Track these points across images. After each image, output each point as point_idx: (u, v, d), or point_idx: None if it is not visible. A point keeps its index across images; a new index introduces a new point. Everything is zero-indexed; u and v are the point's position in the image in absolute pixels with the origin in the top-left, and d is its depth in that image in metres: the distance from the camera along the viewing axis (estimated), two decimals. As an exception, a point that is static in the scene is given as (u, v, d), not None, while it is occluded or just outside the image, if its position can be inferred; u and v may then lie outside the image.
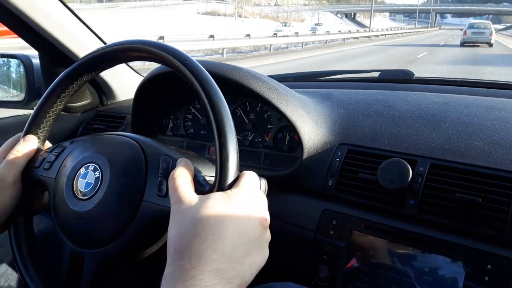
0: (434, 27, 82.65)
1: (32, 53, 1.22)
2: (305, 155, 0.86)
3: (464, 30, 24.82)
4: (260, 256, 0.49)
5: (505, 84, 1.15)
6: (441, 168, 0.75)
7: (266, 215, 0.51)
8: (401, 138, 0.82)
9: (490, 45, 22.67)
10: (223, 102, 0.52)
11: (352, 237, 0.79)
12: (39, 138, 0.67)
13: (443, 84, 1.23)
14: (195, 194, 0.49)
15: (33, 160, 0.66)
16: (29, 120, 0.67)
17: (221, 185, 0.50)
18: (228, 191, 0.49)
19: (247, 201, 0.49)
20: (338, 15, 78.22)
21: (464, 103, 0.95)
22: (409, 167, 0.74)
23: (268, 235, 0.51)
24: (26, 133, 0.66)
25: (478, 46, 22.75)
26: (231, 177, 0.50)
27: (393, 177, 0.74)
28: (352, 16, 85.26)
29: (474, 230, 0.70)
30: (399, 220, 0.76)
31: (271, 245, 0.52)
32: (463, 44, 23.30)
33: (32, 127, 0.66)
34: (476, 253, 0.68)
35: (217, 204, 0.47)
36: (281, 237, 0.85)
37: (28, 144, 0.65)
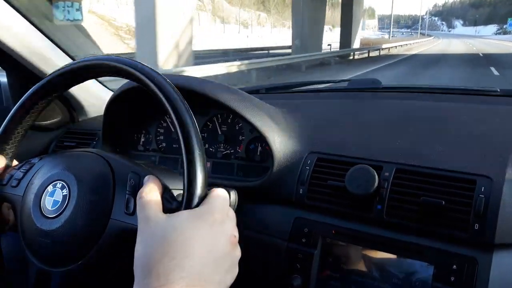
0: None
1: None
2: (275, 165, 0.87)
3: None
4: (229, 274, 0.49)
5: (467, 90, 1.20)
6: (406, 172, 0.77)
7: (235, 232, 0.51)
8: (368, 145, 0.84)
9: None
10: (191, 118, 0.52)
11: (323, 244, 0.80)
12: (7, 154, 0.66)
13: (410, 91, 1.26)
14: (163, 213, 0.49)
15: (0, 177, 0.64)
16: None
17: (188, 203, 0.50)
18: (196, 208, 0.49)
19: (215, 218, 0.49)
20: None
21: (428, 109, 0.98)
22: (375, 172, 0.76)
23: (238, 253, 0.51)
24: None
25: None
26: (198, 196, 0.50)
27: (360, 183, 0.75)
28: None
29: (439, 232, 0.71)
30: (368, 225, 0.77)
31: (245, 255, 0.52)
32: None
33: None
34: (442, 254, 0.70)
35: (185, 222, 0.47)
36: (255, 247, 0.86)
37: None
